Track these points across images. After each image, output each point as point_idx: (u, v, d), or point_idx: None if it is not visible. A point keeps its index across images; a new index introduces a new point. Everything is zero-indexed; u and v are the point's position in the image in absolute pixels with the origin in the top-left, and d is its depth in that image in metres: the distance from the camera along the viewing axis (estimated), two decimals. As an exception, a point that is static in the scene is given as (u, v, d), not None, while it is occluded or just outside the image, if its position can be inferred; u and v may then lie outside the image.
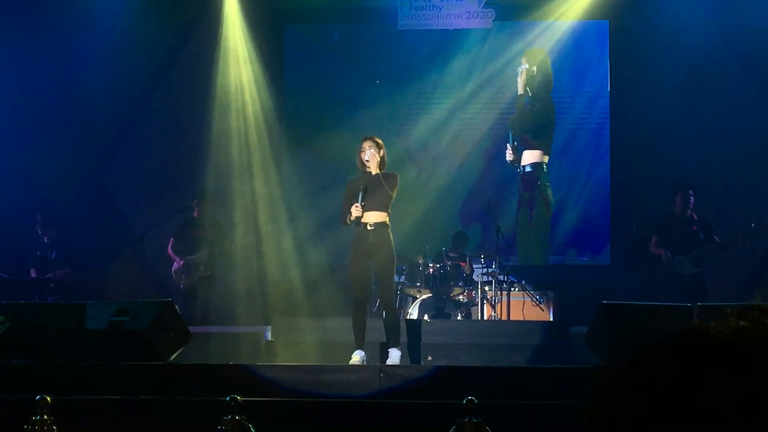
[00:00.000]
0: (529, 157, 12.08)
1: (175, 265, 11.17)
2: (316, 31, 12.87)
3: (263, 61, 12.58)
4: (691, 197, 10.52)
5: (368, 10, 12.70)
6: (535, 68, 12.17)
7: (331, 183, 12.46)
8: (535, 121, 12.15)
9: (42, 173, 12.19)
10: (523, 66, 12.16)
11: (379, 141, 8.31)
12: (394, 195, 8.22)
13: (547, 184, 12.11)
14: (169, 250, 11.22)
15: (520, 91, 12.19)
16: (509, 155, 12.12)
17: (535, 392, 6.91)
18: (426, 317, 10.51)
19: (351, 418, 6.54)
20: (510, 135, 12.19)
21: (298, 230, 12.35)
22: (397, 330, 8.31)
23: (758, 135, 11.81)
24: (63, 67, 12.16)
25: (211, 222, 11.28)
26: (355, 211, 8.08)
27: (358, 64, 12.73)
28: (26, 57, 12.10)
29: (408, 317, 10.41)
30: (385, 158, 8.32)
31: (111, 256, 12.05)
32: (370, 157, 8.16)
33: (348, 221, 8.20)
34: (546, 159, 12.12)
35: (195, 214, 11.25)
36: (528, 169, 12.07)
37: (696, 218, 10.57)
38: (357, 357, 8.05)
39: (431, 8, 12.29)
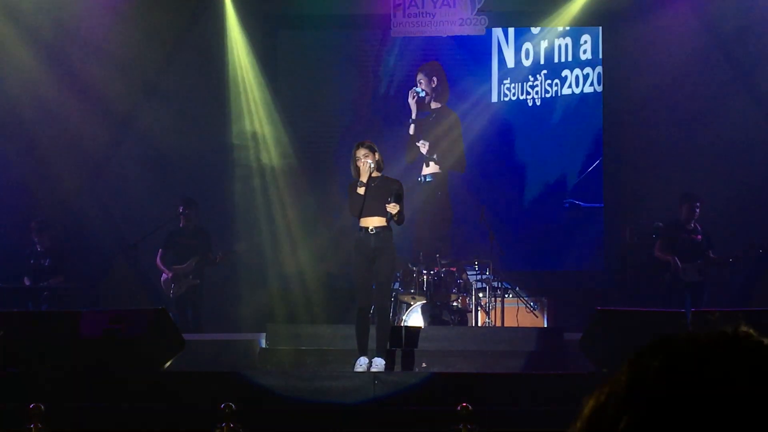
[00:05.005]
0: (432, 167, 12.39)
1: (164, 276, 11.17)
2: (309, 38, 12.88)
3: (258, 66, 12.60)
4: (697, 209, 10.57)
5: (361, 17, 12.71)
6: (435, 80, 12.46)
7: (326, 188, 12.48)
8: (440, 133, 12.39)
9: (35, 181, 12.17)
10: (423, 81, 12.41)
11: (372, 144, 8.20)
12: (402, 204, 8.03)
13: (447, 195, 12.34)
14: (158, 262, 11.21)
15: (417, 106, 12.37)
16: (408, 157, 12.38)
17: (530, 399, 6.92)
18: (420, 324, 10.50)
19: (345, 425, 6.54)
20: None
21: (294, 238, 12.34)
22: (385, 337, 8.17)
23: (752, 142, 11.81)
24: (57, 74, 12.13)
25: (197, 231, 11.30)
26: (363, 180, 7.92)
27: (351, 70, 12.77)
28: (23, 67, 12.05)
29: (403, 324, 10.39)
30: (381, 161, 8.20)
31: (105, 265, 12.03)
32: (366, 165, 8.02)
33: (358, 191, 7.98)
34: (446, 172, 12.37)
35: (181, 224, 11.27)
36: (429, 179, 12.35)
37: (700, 228, 10.61)
38: (361, 363, 7.97)
39: (424, 15, 12.31)
